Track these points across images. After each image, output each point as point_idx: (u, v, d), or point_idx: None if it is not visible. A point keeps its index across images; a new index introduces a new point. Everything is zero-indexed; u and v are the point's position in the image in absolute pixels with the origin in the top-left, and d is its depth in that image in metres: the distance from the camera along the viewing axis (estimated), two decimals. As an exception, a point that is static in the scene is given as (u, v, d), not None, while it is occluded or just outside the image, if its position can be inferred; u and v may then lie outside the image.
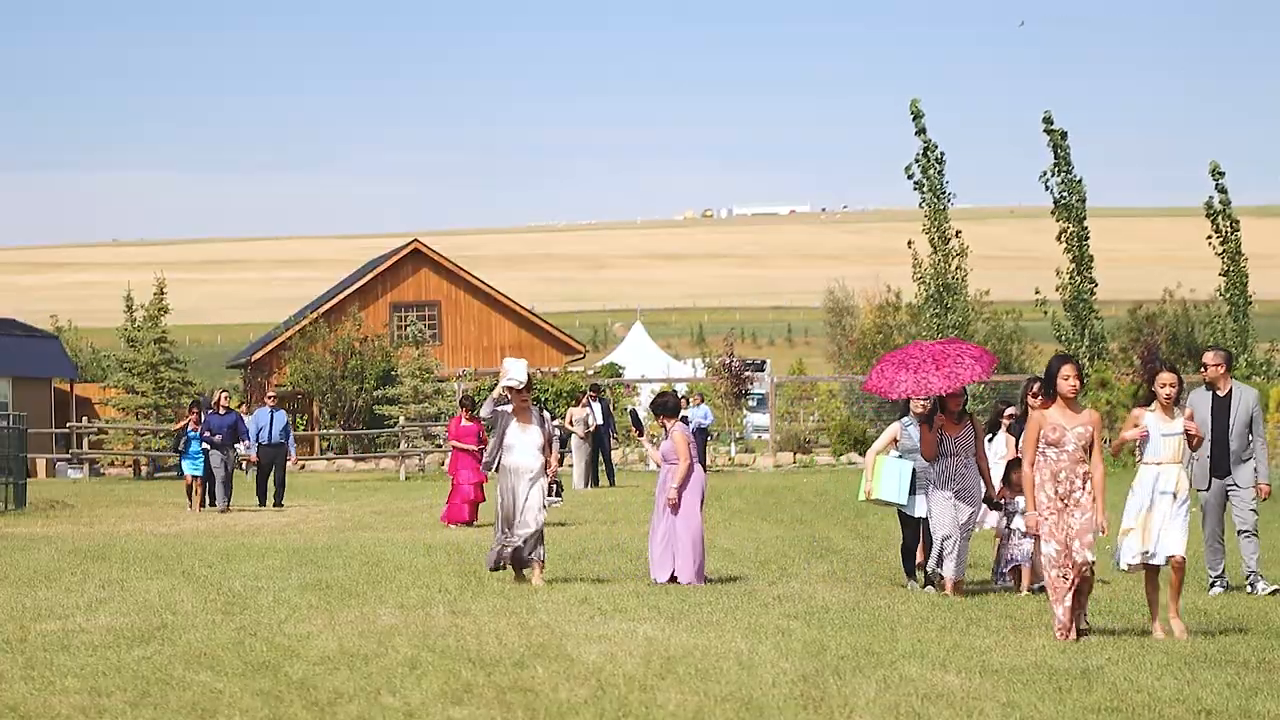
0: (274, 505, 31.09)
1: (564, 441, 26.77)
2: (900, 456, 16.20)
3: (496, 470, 16.31)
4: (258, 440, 31.39)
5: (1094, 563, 12.38)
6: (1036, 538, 16.06)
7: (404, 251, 60.72)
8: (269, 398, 32.81)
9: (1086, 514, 12.35)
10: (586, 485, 36.72)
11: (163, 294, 52.10)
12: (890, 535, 23.16)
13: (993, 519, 16.60)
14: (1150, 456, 12.85)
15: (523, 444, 16.12)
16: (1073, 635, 12.17)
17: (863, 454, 49.24)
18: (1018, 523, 15.94)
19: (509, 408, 16.24)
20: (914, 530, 16.31)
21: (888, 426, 17.11)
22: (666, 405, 16.83)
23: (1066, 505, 12.38)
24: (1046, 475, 12.44)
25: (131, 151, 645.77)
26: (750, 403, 61.20)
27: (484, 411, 16.52)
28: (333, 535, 23.41)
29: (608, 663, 10.72)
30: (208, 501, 30.27)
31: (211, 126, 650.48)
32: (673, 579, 16.13)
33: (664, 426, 16.69)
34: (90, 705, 9.35)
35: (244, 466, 32.59)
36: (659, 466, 16.86)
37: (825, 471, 45.04)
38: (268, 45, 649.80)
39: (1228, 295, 55.75)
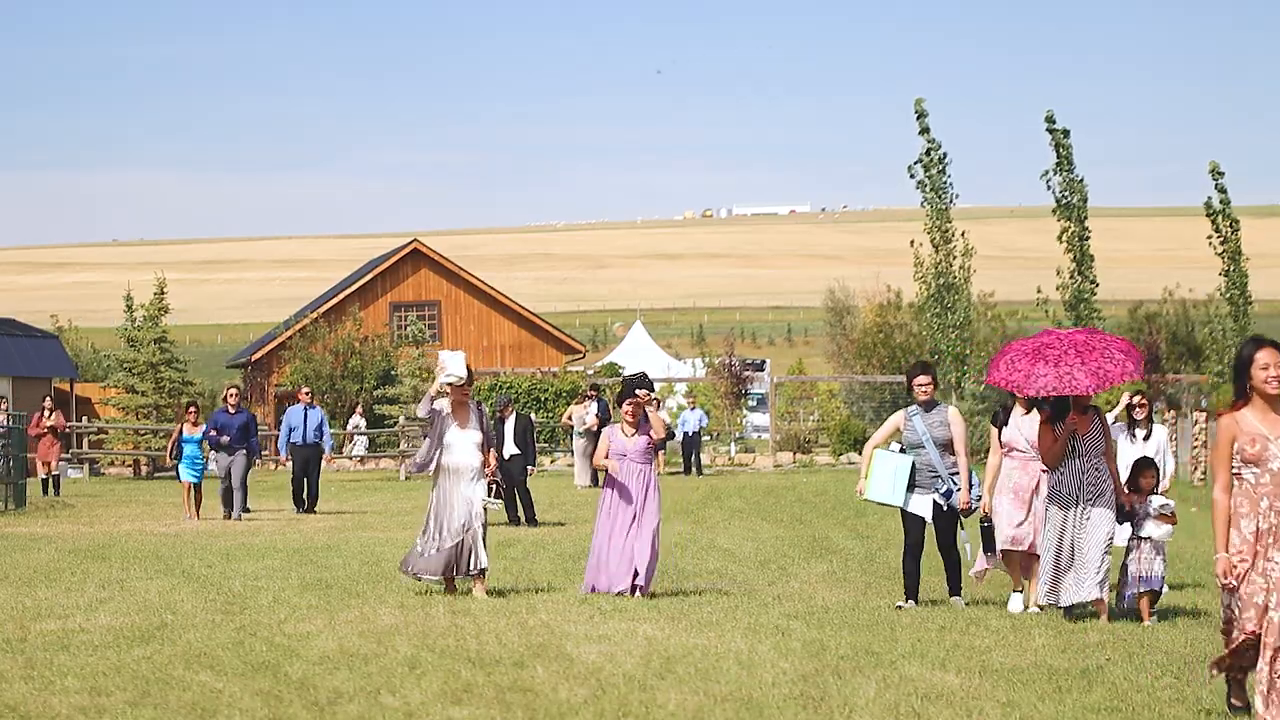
0: (307, 510, 28.91)
1: (499, 433, 26.11)
2: (902, 451, 14.62)
3: (434, 471, 15.12)
4: (290, 441, 29.14)
5: None
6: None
7: (404, 251, 60.75)
8: (303, 393, 30.32)
9: None
10: (588, 484, 36.77)
11: (163, 294, 52.12)
12: (891, 535, 23.16)
13: (1120, 530, 14.18)
14: None
15: (462, 442, 15.07)
16: None
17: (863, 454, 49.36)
18: (1149, 530, 13.85)
19: (447, 404, 15.19)
20: (918, 537, 14.60)
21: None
22: (644, 381, 15.29)
23: (1268, 545, 9.02)
24: (1242, 504, 9.09)
25: (131, 151, 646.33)
26: (750, 403, 61.22)
27: (421, 410, 15.40)
28: (333, 535, 23.40)
29: (608, 663, 10.71)
30: (223, 509, 27.45)
31: (211, 126, 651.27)
32: (633, 588, 14.79)
33: (636, 411, 15.09)
34: (90, 705, 9.34)
35: (261, 463, 29.81)
36: (605, 467, 15.15)
37: (825, 471, 45.06)
38: (268, 45, 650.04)
39: (1228, 295, 55.79)
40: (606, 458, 15.13)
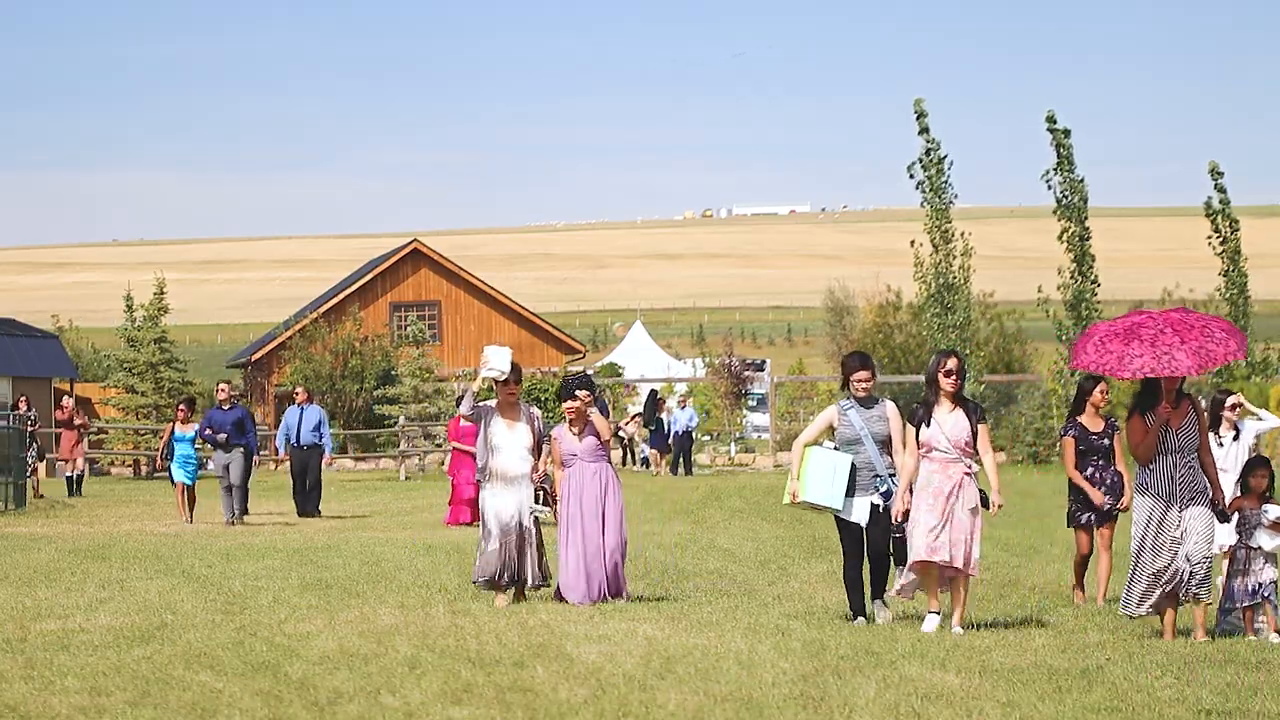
0: (308, 513, 28.35)
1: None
2: (836, 448, 13.29)
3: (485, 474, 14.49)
4: (287, 442, 28.58)
5: None
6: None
7: (404, 251, 60.80)
8: (296, 392, 29.56)
9: None
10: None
11: (162, 294, 52.17)
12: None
13: (1223, 536, 12.99)
14: None
15: (510, 444, 14.30)
16: None
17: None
18: (1260, 540, 12.57)
19: (493, 403, 14.47)
20: (856, 543, 13.39)
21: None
22: (585, 382, 14.60)
23: None
24: None
25: (131, 151, 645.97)
26: (750, 403, 61.23)
27: (464, 408, 14.57)
28: (333, 535, 23.40)
29: (607, 663, 10.71)
30: (222, 510, 26.50)
31: (211, 126, 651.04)
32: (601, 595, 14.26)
33: (582, 410, 14.48)
34: (90, 705, 9.34)
35: (260, 463, 29.27)
36: (556, 466, 14.56)
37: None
38: (267, 45, 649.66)
39: (1228, 295, 55.79)
40: (561, 459, 14.48)
